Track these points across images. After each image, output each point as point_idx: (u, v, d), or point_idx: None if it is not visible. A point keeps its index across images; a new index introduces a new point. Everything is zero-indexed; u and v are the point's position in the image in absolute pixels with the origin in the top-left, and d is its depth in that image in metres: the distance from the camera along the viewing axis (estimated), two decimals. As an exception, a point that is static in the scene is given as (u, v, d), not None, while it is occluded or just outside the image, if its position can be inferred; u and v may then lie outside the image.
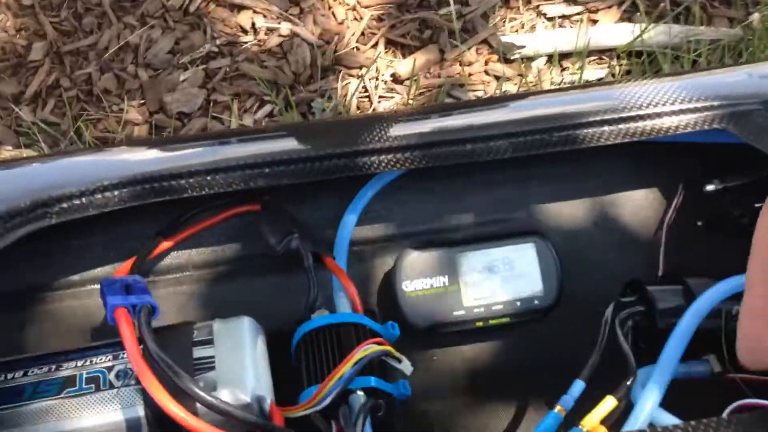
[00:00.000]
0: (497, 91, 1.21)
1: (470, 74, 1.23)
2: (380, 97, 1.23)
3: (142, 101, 1.21)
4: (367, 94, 1.23)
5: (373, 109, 1.21)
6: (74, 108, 1.19)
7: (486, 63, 1.22)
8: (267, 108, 1.20)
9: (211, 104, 1.19)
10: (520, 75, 1.21)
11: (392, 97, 1.23)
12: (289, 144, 0.66)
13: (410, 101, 1.20)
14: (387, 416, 0.59)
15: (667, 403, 0.56)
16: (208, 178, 0.63)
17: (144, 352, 0.54)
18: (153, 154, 0.67)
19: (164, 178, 0.63)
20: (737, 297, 0.61)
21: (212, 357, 0.58)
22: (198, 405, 0.53)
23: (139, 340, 0.54)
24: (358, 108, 1.21)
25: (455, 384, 0.68)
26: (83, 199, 0.61)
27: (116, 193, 0.62)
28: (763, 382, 0.60)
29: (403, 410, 0.63)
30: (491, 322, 0.67)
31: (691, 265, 0.72)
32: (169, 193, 0.63)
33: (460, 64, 1.24)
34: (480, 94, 1.24)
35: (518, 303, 0.67)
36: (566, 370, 0.68)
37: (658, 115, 0.65)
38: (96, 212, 0.61)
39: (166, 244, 0.68)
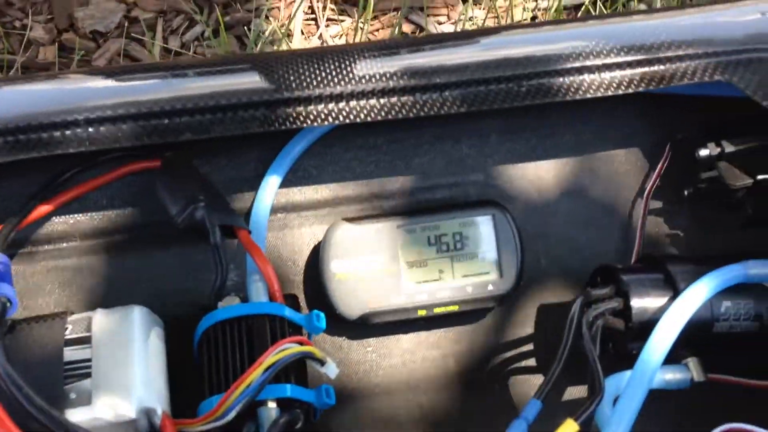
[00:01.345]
0: (462, 17, 1.09)
1: (435, -4, 1.11)
2: (329, 20, 1.10)
3: (50, 17, 1.07)
4: (313, 16, 1.10)
5: (320, 35, 1.08)
6: (-31, 23, 1.05)
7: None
8: (197, 29, 1.07)
9: (128, 23, 1.05)
10: (490, -3, 1.09)
11: (342, 21, 1.10)
12: (196, 87, 0.55)
13: (361, 26, 1.08)
14: (305, 429, 0.51)
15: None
16: (90, 130, 0.52)
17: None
18: (20, 96, 0.55)
19: (31, 128, 0.51)
20: (727, 291, 0.52)
21: (88, 360, 0.49)
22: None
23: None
24: (302, 32, 1.08)
25: (393, 382, 0.60)
26: None
27: None
28: (748, 385, 0.53)
29: (325, 413, 0.54)
30: (437, 310, 0.58)
31: (672, 243, 0.63)
32: (38, 148, 0.51)
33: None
34: (443, 19, 1.12)
35: (469, 288, 0.58)
36: (523, 369, 0.60)
37: (649, 62, 0.54)
38: None
39: (44, 208, 0.57)
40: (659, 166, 0.62)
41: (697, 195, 0.62)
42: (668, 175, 0.63)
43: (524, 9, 1.10)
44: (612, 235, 0.63)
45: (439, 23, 1.11)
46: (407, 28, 1.10)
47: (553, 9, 1.09)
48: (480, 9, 1.10)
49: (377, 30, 1.10)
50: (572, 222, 0.63)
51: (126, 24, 1.06)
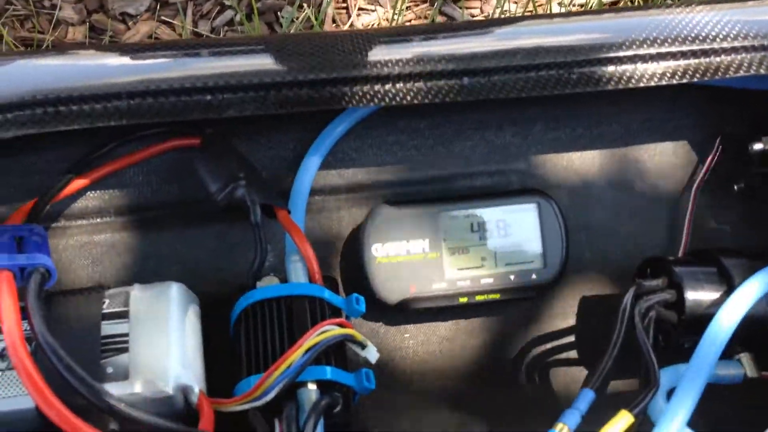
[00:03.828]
0: (497, 10, 1.08)
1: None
2: (360, 9, 1.09)
3: (80, -3, 1.06)
4: (345, 5, 1.09)
5: (351, 24, 1.08)
6: (-2, 2, 1.05)
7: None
8: (228, 14, 1.06)
9: (159, 6, 1.05)
10: (524, -9, 1.08)
11: (374, 11, 1.09)
12: (239, 65, 0.54)
13: (395, 16, 1.07)
14: (344, 412, 0.49)
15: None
16: (132, 102, 0.51)
17: (28, 334, 0.43)
18: (61, 67, 0.54)
19: (72, 100, 0.50)
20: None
21: (126, 335, 0.48)
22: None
23: (24, 315, 0.43)
24: (333, 21, 1.07)
25: (430, 369, 0.59)
26: None
27: (9, 116, 0.49)
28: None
29: (362, 400, 0.53)
30: (478, 298, 0.57)
31: (720, 238, 0.62)
32: (79, 120, 0.51)
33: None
34: (476, 12, 1.11)
35: (512, 277, 0.57)
36: (566, 361, 0.59)
37: (704, 52, 0.53)
38: None
39: (79, 182, 0.57)
40: (709, 159, 0.61)
41: (748, 190, 0.60)
42: (718, 170, 0.61)
43: (560, 4, 1.08)
44: (658, 228, 0.62)
45: (473, 16, 1.10)
46: (440, 20, 1.09)
47: (590, 5, 1.07)
48: (514, 3, 1.09)
49: (410, 21, 1.09)
50: (617, 213, 0.62)
51: (156, 7, 1.06)
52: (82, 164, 0.57)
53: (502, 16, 1.06)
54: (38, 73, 0.53)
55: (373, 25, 1.08)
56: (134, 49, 0.58)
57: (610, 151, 0.63)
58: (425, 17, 1.08)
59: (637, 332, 0.49)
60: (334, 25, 1.07)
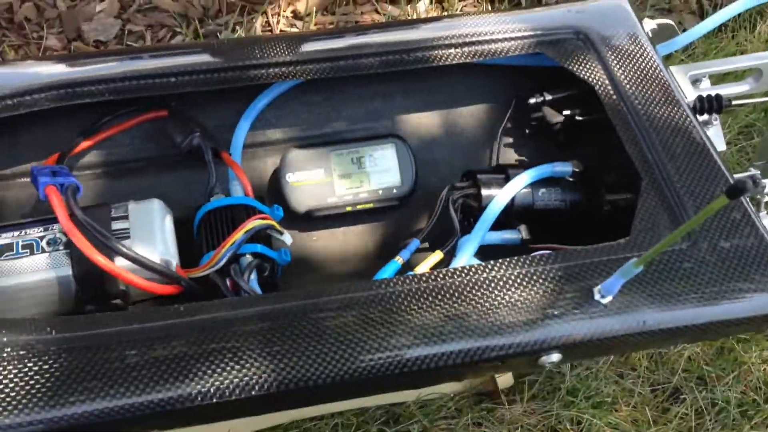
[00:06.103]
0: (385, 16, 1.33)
1: (362, 13, 1.35)
2: (281, 31, 1.33)
3: (61, 29, 1.28)
4: (270, 29, 1.33)
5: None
6: (-4, 35, 1.25)
7: (377, 1, 1.35)
8: (178, 39, 1.29)
9: (126, 33, 1.27)
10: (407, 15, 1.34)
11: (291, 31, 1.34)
12: (194, 58, 0.78)
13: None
14: (271, 276, 0.73)
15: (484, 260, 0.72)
16: (122, 84, 0.74)
17: (73, 219, 0.65)
18: (75, 64, 0.77)
19: (83, 83, 0.73)
20: (543, 182, 0.77)
21: (127, 228, 0.70)
22: (119, 259, 0.65)
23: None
24: (262, 40, 1.31)
25: (330, 257, 0.82)
26: (15, 100, 0.71)
27: (41, 95, 0.72)
28: (558, 249, 0.77)
29: (290, 276, 0.77)
30: (358, 207, 0.81)
31: (519, 165, 0.88)
32: (88, 96, 0.73)
33: (354, 4, 1.36)
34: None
35: (380, 192, 0.81)
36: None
37: (494, 41, 0.79)
38: (25, 111, 0.71)
39: (86, 144, 0.79)
40: (508, 113, 0.87)
41: (533, 132, 0.87)
42: (515, 119, 0.87)
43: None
44: (480, 159, 0.87)
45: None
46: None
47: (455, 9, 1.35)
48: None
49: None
50: (453, 151, 0.87)
51: (122, 35, 1.28)
52: (87, 131, 0.80)
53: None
54: (59, 68, 0.76)
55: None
56: (121, 53, 0.81)
57: (444, 110, 0.88)
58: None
59: (449, 210, 0.74)
60: (263, 43, 1.31)
